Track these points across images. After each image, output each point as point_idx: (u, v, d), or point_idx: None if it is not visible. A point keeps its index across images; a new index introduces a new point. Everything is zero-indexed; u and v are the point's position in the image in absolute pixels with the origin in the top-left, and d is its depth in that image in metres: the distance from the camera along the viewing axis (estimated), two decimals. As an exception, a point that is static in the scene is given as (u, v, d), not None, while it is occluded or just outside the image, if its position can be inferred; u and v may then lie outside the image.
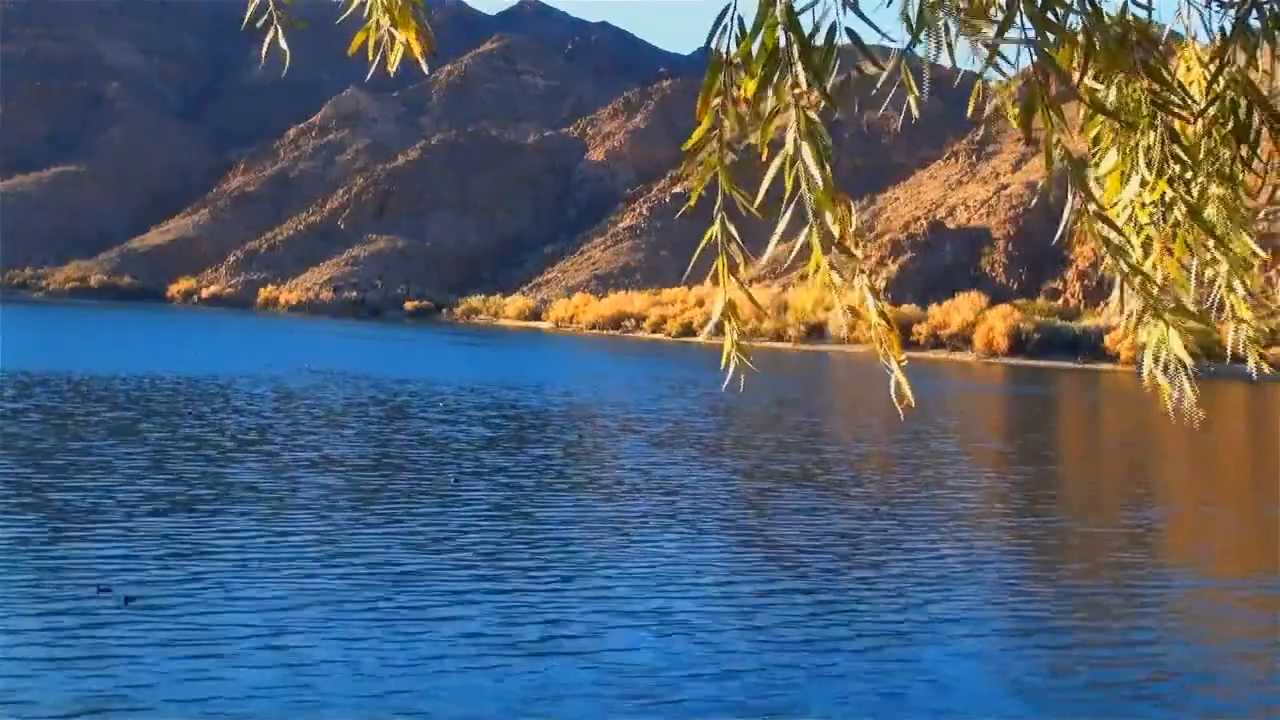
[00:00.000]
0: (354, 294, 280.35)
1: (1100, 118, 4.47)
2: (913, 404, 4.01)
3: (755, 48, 3.85)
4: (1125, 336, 4.61)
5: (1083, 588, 22.36)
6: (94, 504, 25.34)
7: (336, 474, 31.16)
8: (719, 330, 4.33)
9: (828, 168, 3.87)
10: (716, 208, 4.14)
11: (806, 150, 3.85)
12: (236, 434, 39.55)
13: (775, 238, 4.06)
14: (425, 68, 5.05)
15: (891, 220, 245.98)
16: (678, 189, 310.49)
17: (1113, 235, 4.31)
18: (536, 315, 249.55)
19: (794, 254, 4.02)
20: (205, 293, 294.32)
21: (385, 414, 49.27)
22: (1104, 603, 21.05)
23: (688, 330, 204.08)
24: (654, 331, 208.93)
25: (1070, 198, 4.26)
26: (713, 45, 3.95)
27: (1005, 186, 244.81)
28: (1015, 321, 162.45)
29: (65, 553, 20.64)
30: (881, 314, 4.11)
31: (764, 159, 3.97)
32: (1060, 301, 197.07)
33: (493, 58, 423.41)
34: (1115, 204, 4.51)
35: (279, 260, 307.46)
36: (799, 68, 3.79)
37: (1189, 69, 4.68)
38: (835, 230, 3.98)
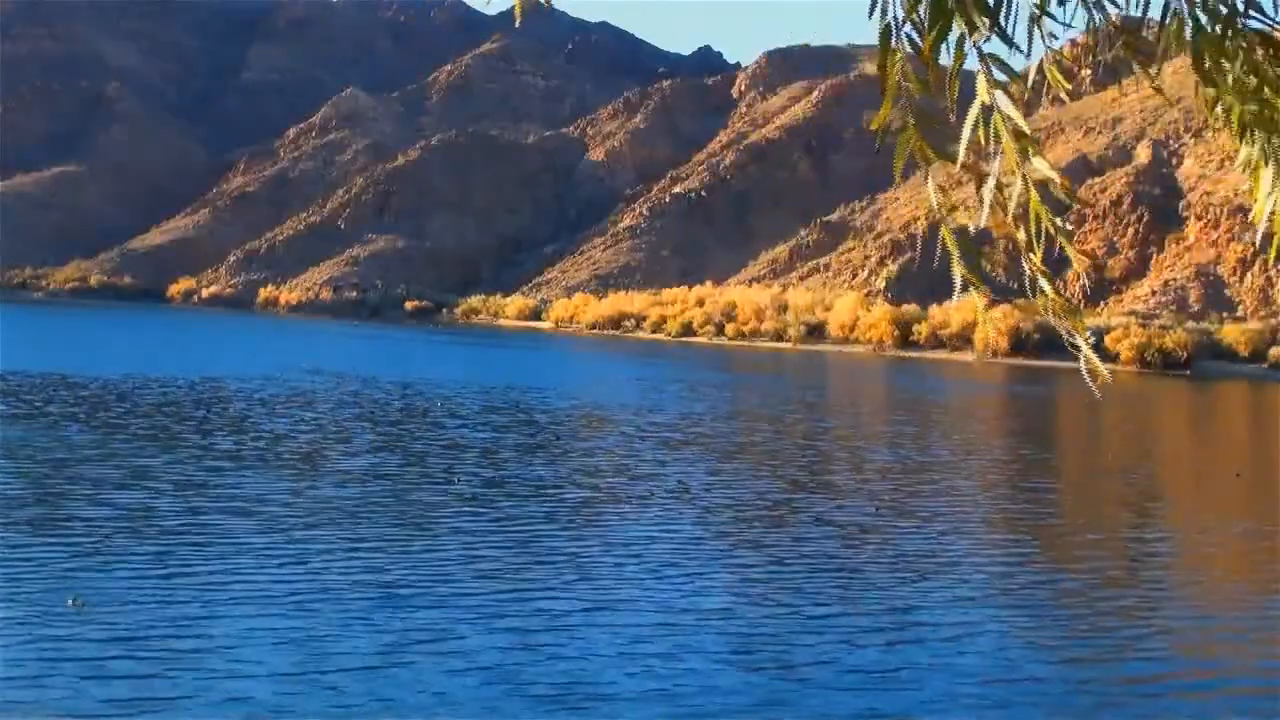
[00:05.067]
0: (354, 294, 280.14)
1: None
2: (1108, 379, 3.93)
3: (924, 8, 3.80)
4: None
5: (1106, 594, 22.28)
6: (91, 513, 25.19)
7: (355, 485, 29.84)
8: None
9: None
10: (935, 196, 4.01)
11: (1002, 98, 3.77)
12: (241, 440, 39.36)
13: (989, 185, 3.90)
14: (517, 15, 4.82)
15: (891, 220, 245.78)
16: (680, 187, 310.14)
17: None
18: (536, 315, 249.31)
19: (1014, 205, 3.89)
20: (205, 293, 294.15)
21: (396, 419, 48.84)
22: (1126, 608, 20.96)
23: (688, 330, 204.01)
24: (654, 331, 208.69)
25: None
26: (876, 13, 3.88)
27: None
28: (1015, 321, 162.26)
29: (71, 565, 20.47)
30: (1057, 290, 4.02)
31: (952, 115, 3.91)
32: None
33: (493, 58, 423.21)
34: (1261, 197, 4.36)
35: (279, 260, 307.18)
36: (976, 17, 3.73)
37: None
38: (1055, 176, 3.86)
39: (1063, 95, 4.10)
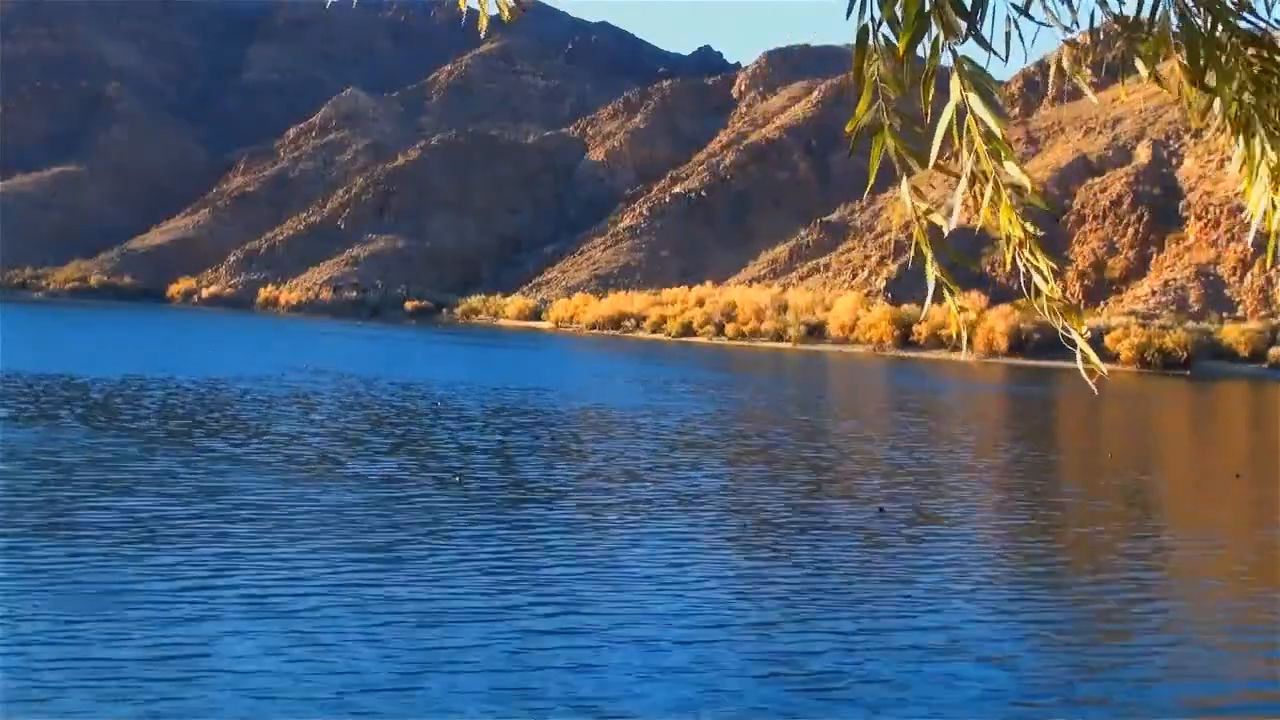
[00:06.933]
0: (354, 294, 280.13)
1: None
2: (1105, 375, 3.97)
3: (899, 9, 3.75)
4: None
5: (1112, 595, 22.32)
6: (96, 519, 25.18)
7: (362, 489, 29.60)
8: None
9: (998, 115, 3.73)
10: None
11: (975, 100, 3.73)
12: (246, 443, 39.33)
13: (960, 188, 3.85)
14: (509, 17, 4.87)
15: (891, 220, 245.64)
16: (680, 187, 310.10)
17: None
18: (536, 315, 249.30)
19: (982, 209, 3.85)
20: (205, 293, 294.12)
21: (400, 421, 48.70)
22: (1128, 610, 20.99)
23: (688, 330, 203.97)
24: (654, 332, 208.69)
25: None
26: (853, 13, 3.85)
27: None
28: (1015, 321, 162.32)
29: (75, 573, 20.45)
30: (1053, 287, 3.97)
31: (927, 116, 3.87)
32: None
33: (493, 58, 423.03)
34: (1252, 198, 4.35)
35: (279, 260, 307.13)
36: (953, 18, 3.69)
37: None
38: (1025, 181, 3.83)
39: (1085, 89, 4.07)
